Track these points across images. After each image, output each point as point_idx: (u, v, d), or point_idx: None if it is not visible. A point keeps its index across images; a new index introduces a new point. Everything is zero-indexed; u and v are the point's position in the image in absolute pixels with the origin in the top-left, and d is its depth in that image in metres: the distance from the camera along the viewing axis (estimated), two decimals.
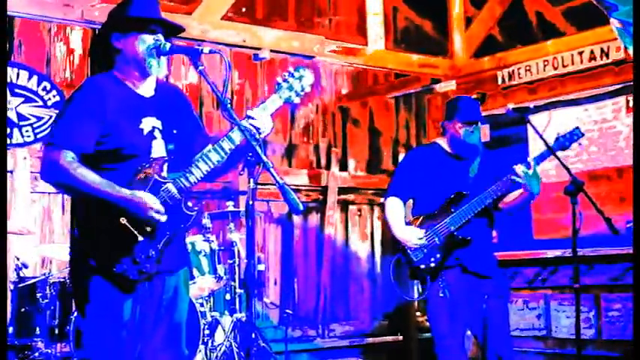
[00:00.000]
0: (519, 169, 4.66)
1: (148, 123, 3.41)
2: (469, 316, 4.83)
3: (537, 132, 4.82)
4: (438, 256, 4.81)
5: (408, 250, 4.87)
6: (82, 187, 3.24)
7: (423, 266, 4.84)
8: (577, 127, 4.77)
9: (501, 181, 4.73)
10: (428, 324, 5.07)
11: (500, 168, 4.91)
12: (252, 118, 3.36)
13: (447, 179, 4.87)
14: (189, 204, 3.41)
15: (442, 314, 4.81)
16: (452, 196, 4.81)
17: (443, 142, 4.99)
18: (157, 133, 3.43)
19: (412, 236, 4.83)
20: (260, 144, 3.33)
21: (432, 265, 4.81)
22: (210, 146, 3.37)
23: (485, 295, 4.81)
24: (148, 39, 3.41)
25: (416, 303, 9.09)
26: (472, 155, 4.91)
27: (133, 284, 3.28)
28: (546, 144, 4.75)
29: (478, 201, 4.75)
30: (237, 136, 3.35)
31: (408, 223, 4.94)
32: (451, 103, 4.99)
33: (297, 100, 3.49)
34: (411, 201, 5.07)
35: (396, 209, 4.95)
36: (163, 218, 3.28)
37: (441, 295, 4.75)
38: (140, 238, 3.26)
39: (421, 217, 4.91)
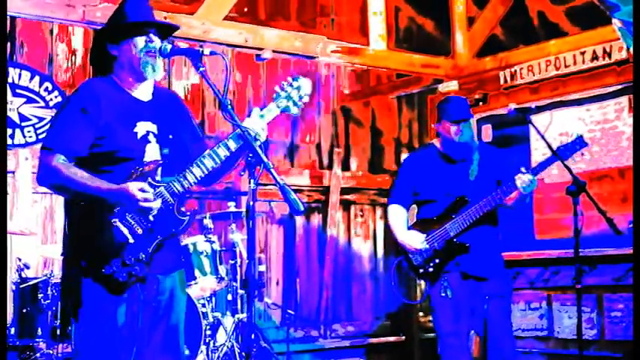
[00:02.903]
0: (519, 180, 4.64)
1: (143, 127, 3.43)
2: (472, 316, 4.84)
3: (539, 132, 4.83)
4: (437, 260, 4.86)
5: (409, 254, 4.93)
6: (73, 185, 3.29)
7: (421, 270, 4.90)
8: (580, 136, 4.71)
9: (500, 189, 4.75)
10: (430, 324, 5.10)
11: (500, 169, 4.91)
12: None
13: (446, 182, 4.92)
14: (182, 209, 3.41)
15: (445, 314, 4.86)
16: (453, 201, 4.84)
17: (437, 144, 5.05)
18: (151, 137, 3.44)
19: (413, 240, 4.90)
20: (261, 144, 3.34)
21: (430, 270, 4.87)
22: (205, 152, 3.37)
23: (486, 295, 4.82)
24: (140, 41, 3.43)
25: (418, 303, 9.10)
26: (467, 155, 4.93)
27: (123, 286, 3.28)
28: (548, 145, 4.74)
29: (477, 208, 4.77)
30: (232, 144, 3.36)
31: (411, 227, 4.97)
32: (439, 105, 5.04)
33: (294, 109, 3.50)
34: (415, 206, 5.10)
35: (397, 215, 5.03)
36: (155, 204, 3.28)
37: (443, 294, 4.77)
38: (131, 240, 3.27)
39: (423, 222, 4.96)
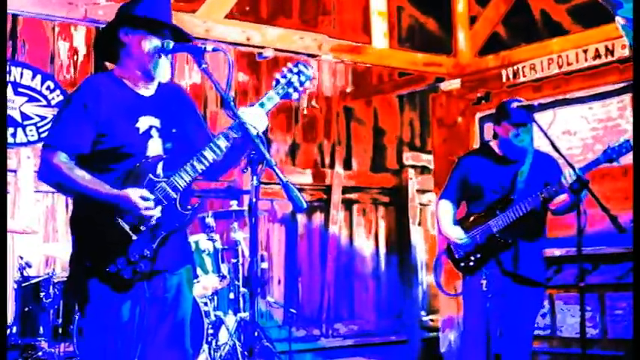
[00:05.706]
0: (564, 178, 4.70)
1: (145, 122, 3.41)
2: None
3: (542, 129, 4.83)
4: (479, 255, 4.97)
5: (452, 247, 5.08)
6: (73, 185, 3.28)
7: (462, 264, 5.04)
8: (628, 140, 4.74)
9: (546, 189, 4.81)
10: (432, 323, 5.12)
11: (551, 175, 4.95)
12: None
13: (495, 180, 5.03)
14: (184, 203, 3.39)
15: (473, 309, 4.96)
16: (499, 198, 4.96)
17: (494, 145, 5.14)
18: (153, 132, 3.42)
19: (456, 234, 5.04)
20: (263, 141, 3.29)
21: (471, 264, 4.99)
22: (206, 145, 3.35)
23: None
24: (155, 41, 3.40)
25: (420, 302, 9.10)
26: (521, 157, 5.02)
27: (129, 284, 3.28)
28: (551, 142, 4.76)
29: (520, 206, 4.86)
30: (232, 134, 3.33)
31: (457, 222, 5.13)
32: (500, 107, 5.08)
33: (295, 95, 3.48)
34: (465, 202, 5.24)
35: (445, 209, 5.19)
36: (156, 212, 3.27)
37: (485, 289, 4.81)
38: (134, 238, 3.26)
39: (469, 217, 5.10)
